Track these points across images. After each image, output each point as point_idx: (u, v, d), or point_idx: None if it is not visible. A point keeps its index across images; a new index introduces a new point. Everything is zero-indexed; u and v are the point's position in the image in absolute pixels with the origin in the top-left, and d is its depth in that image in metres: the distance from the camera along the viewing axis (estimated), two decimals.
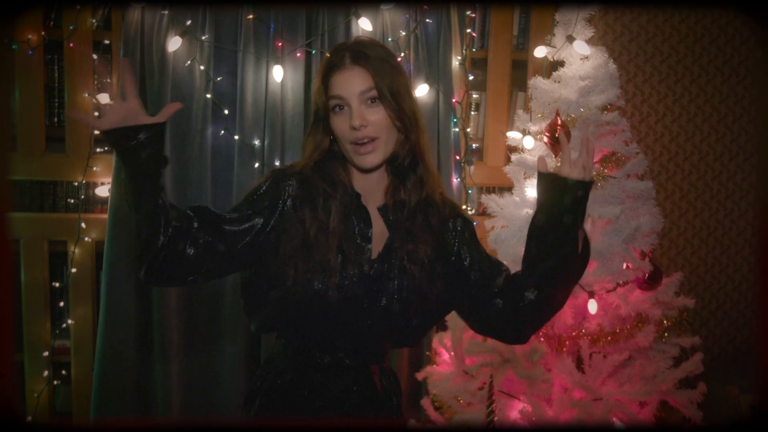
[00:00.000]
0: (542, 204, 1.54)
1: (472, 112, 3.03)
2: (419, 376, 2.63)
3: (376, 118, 1.54)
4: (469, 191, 2.91)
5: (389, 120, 1.55)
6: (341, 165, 1.63)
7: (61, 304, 2.89)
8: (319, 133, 1.61)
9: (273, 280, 1.57)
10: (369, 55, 1.57)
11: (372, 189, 1.64)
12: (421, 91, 2.76)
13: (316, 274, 1.53)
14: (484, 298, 1.61)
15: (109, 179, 2.75)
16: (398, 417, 1.68)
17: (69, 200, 2.93)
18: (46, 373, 2.88)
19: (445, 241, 1.65)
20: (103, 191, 2.83)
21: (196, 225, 1.50)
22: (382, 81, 1.54)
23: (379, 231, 1.63)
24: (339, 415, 1.58)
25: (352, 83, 1.54)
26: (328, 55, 1.64)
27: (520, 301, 1.57)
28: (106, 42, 2.77)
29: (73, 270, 2.84)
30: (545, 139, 2.41)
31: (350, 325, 1.57)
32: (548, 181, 1.52)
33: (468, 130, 2.92)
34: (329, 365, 1.60)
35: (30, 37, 2.72)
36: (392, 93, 1.55)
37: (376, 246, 1.62)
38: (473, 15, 2.93)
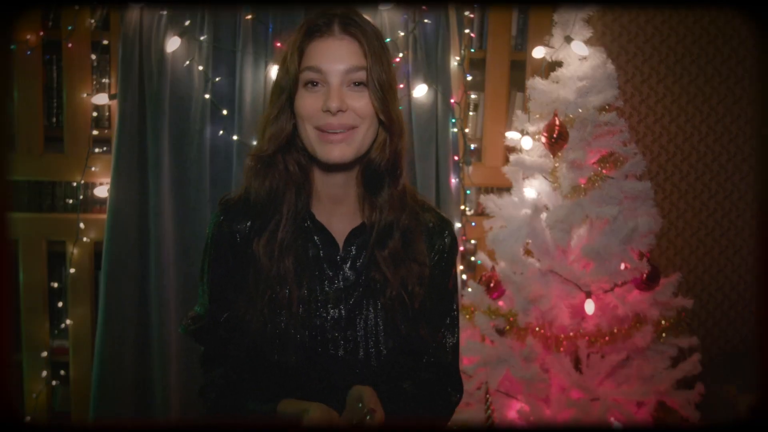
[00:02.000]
0: None
1: (471, 113, 3.03)
2: None
3: (359, 105, 1.25)
4: (468, 191, 2.91)
5: (373, 113, 1.26)
6: (297, 169, 1.32)
7: (60, 304, 2.89)
8: (284, 113, 1.29)
9: (237, 323, 1.34)
10: (363, 27, 1.27)
11: (336, 196, 1.35)
12: (420, 91, 2.77)
13: (282, 311, 1.29)
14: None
15: (107, 179, 2.75)
16: None
17: (67, 200, 2.93)
18: (44, 373, 2.88)
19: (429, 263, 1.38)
20: (101, 191, 2.83)
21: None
22: (375, 63, 1.25)
23: (350, 253, 1.37)
24: None
25: (338, 56, 1.24)
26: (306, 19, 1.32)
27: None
28: (105, 42, 2.78)
29: (72, 270, 2.84)
30: (543, 139, 2.42)
31: (325, 379, 1.30)
32: None
33: (466, 130, 2.92)
34: None
35: (28, 37, 2.72)
36: (382, 82, 1.25)
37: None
38: (472, 15, 2.93)
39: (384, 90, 1.25)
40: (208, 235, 1.38)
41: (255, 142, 1.39)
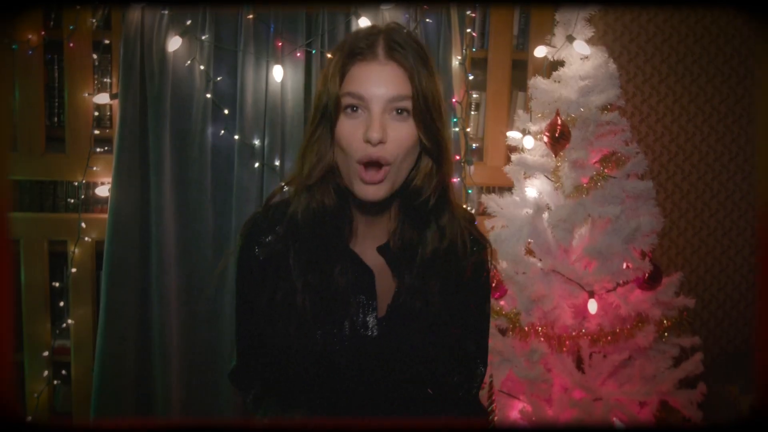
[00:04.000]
0: None
1: (472, 112, 3.03)
2: None
3: (401, 136, 1.18)
4: (469, 191, 2.91)
5: (415, 142, 1.21)
6: (335, 197, 1.27)
7: (61, 304, 2.89)
8: (324, 138, 1.23)
9: (273, 347, 1.33)
10: (408, 51, 1.21)
11: (371, 220, 1.32)
12: None
13: (318, 340, 1.27)
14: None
15: (109, 179, 2.74)
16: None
17: (69, 200, 2.93)
18: (46, 373, 2.88)
19: (464, 289, 1.36)
20: (103, 191, 2.83)
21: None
22: (422, 90, 1.19)
23: (382, 278, 1.32)
24: None
25: (383, 83, 1.18)
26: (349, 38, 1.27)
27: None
28: (106, 42, 2.77)
29: (73, 270, 2.84)
30: (545, 138, 2.41)
31: (363, 395, 1.32)
32: None
33: (468, 129, 2.92)
34: None
35: (30, 37, 2.72)
36: (431, 107, 1.20)
37: (383, 298, 1.32)
38: (473, 15, 2.93)
39: (432, 116, 1.21)
40: (237, 261, 1.36)
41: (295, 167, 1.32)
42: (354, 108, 1.18)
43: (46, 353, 2.87)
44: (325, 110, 1.21)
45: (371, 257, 1.32)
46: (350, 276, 1.30)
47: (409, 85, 1.18)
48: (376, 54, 1.19)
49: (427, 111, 1.19)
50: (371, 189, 1.19)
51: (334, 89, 1.19)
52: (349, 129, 1.19)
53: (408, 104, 1.18)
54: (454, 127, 2.84)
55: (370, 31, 1.24)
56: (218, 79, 2.72)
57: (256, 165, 2.73)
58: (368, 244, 1.33)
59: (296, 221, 1.28)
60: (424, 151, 1.24)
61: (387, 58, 1.19)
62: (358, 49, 1.20)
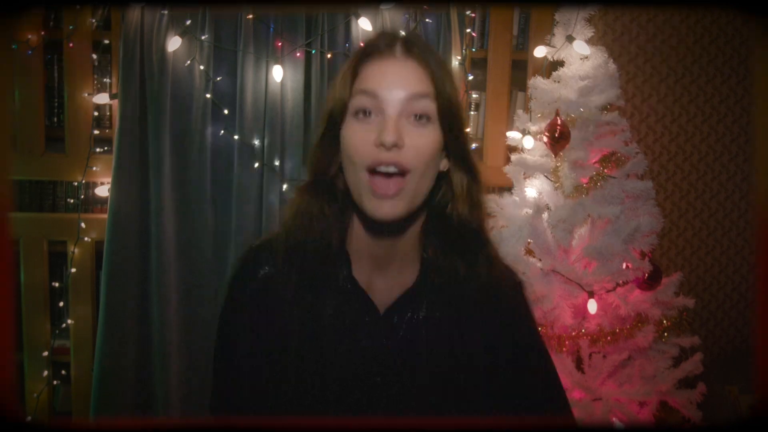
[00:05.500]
0: None
1: (472, 112, 3.03)
2: None
3: (420, 143, 1.00)
4: None
5: (435, 152, 1.02)
6: (336, 219, 1.09)
7: (61, 304, 2.88)
8: (333, 144, 1.06)
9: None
10: (429, 49, 1.07)
11: (380, 258, 1.11)
12: None
13: (312, 387, 1.11)
14: None
15: (108, 179, 2.74)
16: None
17: (69, 200, 2.93)
18: (45, 373, 2.87)
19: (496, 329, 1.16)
20: (102, 191, 2.83)
21: None
22: (446, 90, 1.02)
23: (392, 321, 1.12)
24: None
25: (399, 80, 1.01)
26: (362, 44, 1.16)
27: None
28: (106, 42, 2.77)
29: (73, 270, 2.84)
30: (545, 139, 2.41)
31: None
32: None
33: (468, 130, 2.92)
34: None
35: (30, 36, 2.72)
36: (456, 113, 1.04)
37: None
38: (473, 15, 2.93)
39: (459, 124, 1.04)
40: (227, 290, 1.22)
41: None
42: (366, 112, 1.01)
43: (45, 353, 2.87)
44: (332, 113, 1.05)
45: (380, 293, 1.11)
46: (353, 317, 1.10)
47: (430, 85, 1.02)
48: (393, 51, 1.04)
49: (452, 114, 1.02)
50: (386, 205, 0.99)
51: (344, 91, 1.04)
52: (358, 133, 1.01)
53: (428, 107, 1.01)
54: None
55: (388, 33, 1.11)
56: (218, 79, 2.72)
57: (256, 165, 2.73)
58: (378, 281, 1.11)
59: (294, 249, 1.10)
60: (453, 163, 1.06)
61: (405, 55, 1.04)
62: (374, 47, 1.06)
